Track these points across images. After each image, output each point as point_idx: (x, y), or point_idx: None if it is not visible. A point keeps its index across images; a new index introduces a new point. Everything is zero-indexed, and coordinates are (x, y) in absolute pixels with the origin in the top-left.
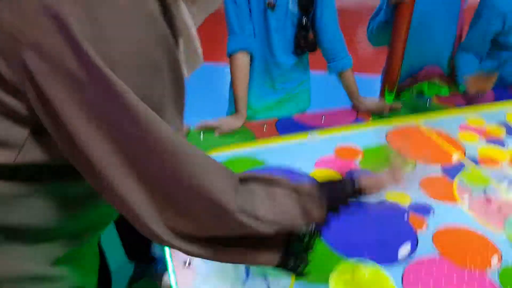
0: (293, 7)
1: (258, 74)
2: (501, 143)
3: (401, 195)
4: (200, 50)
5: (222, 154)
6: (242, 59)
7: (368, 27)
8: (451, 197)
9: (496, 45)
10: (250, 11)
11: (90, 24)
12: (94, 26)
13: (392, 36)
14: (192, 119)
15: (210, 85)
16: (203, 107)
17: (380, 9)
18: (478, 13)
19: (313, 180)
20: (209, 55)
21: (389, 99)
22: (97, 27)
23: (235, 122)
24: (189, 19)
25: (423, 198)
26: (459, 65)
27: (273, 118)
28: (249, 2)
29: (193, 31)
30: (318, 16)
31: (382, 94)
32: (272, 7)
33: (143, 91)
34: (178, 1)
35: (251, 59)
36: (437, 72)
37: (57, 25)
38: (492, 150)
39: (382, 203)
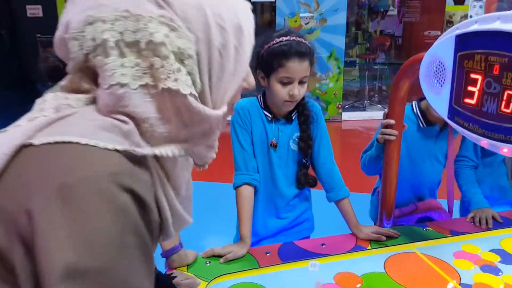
0: (294, 145)
1: (263, 205)
2: (495, 270)
3: None
4: (186, 218)
5: (227, 281)
6: (246, 191)
7: (361, 159)
8: None
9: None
10: (254, 150)
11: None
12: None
13: (384, 170)
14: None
15: (222, 204)
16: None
17: (372, 144)
18: None
19: None
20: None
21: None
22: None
23: (240, 250)
24: (173, 199)
25: None
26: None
27: (276, 244)
28: (252, 143)
29: (178, 207)
30: (315, 155)
31: (380, 222)
32: (275, 146)
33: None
34: (161, 187)
35: (256, 192)
36: (435, 205)
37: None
38: (487, 278)
39: None
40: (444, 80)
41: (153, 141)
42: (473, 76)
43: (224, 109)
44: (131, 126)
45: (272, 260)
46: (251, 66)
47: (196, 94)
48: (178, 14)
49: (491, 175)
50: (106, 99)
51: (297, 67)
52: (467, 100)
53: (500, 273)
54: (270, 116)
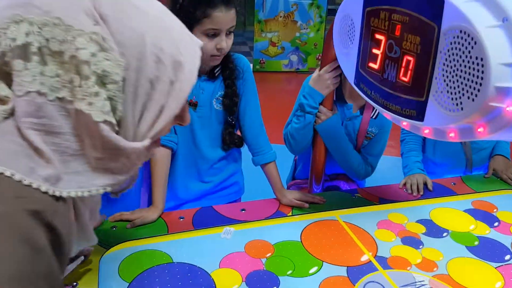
0: (217, 105)
1: (185, 168)
2: (417, 242)
3: None
4: (92, 236)
5: (127, 248)
6: (161, 153)
7: (285, 135)
8: None
9: None
10: None
11: None
12: None
13: (314, 133)
14: None
15: None
16: None
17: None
18: None
19: None
20: None
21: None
22: None
23: (150, 215)
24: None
25: None
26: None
27: (193, 209)
28: None
29: (87, 225)
30: (242, 113)
31: (310, 187)
32: (194, 105)
33: None
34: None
35: (174, 154)
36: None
37: None
38: (405, 250)
39: None
40: (353, 40)
41: (68, 165)
42: (377, 36)
43: (146, 142)
44: (47, 152)
45: (184, 226)
46: None
47: (114, 122)
48: (113, 35)
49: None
50: (24, 107)
51: (224, 17)
52: (371, 64)
53: (420, 246)
54: None
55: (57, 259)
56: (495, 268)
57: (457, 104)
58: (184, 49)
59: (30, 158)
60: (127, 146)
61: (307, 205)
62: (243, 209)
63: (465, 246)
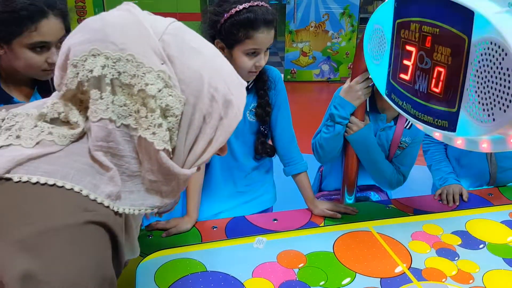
0: (251, 117)
1: (221, 178)
2: (452, 254)
3: None
4: (137, 248)
5: (163, 256)
6: None
7: (313, 144)
8: None
9: None
10: None
11: None
12: None
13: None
14: None
15: None
16: None
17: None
18: None
19: None
20: None
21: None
22: None
23: (184, 225)
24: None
25: None
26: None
27: (226, 218)
28: None
29: (135, 238)
30: (274, 123)
31: (342, 197)
32: None
33: None
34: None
35: (211, 164)
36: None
37: None
38: (440, 262)
39: None
40: (384, 52)
41: (125, 184)
42: (408, 48)
43: (194, 169)
44: (113, 171)
45: (217, 235)
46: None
47: (170, 149)
48: (177, 74)
49: (468, 155)
50: (96, 131)
51: (265, 38)
52: (402, 75)
53: (456, 258)
54: None
55: (115, 267)
56: None
57: (489, 115)
58: (234, 89)
59: (93, 177)
60: (180, 172)
61: (339, 215)
62: (275, 219)
63: (503, 258)
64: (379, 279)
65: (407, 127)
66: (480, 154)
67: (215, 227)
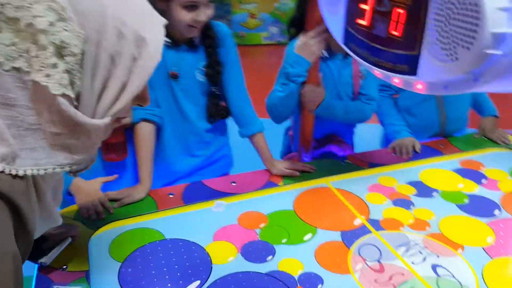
0: (200, 76)
1: (174, 143)
2: (407, 203)
3: (295, 262)
4: (56, 217)
5: (117, 228)
6: (144, 129)
7: (268, 104)
8: (344, 268)
9: None
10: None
11: None
12: None
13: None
14: None
15: None
16: None
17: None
18: None
19: None
20: None
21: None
22: None
23: (138, 194)
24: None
25: (315, 267)
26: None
27: (182, 184)
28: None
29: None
30: (226, 83)
31: (299, 155)
32: (175, 77)
33: None
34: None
35: (161, 128)
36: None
37: None
38: (397, 212)
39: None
40: None
41: (24, 140)
42: None
43: (106, 120)
44: (1, 127)
45: (174, 202)
46: None
47: (72, 96)
48: (73, 5)
49: (419, 106)
50: None
51: None
52: (359, 21)
53: (411, 207)
54: (170, 40)
55: (21, 238)
56: (486, 223)
57: (451, 54)
58: (149, 25)
59: None
60: (87, 122)
61: (298, 173)
62: (233, 182)
63: (455, 204)
64: (340, 232)
65: None
66: (430, 105)
67: (172, 194)
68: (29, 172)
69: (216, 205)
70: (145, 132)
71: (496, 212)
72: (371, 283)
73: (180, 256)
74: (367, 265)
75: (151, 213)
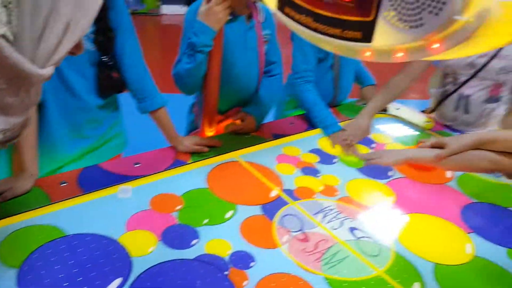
0: (89, 44)
1: (60, 121)
2: (314, 171)
3: (222, 243)
4: None
5: (8, 226)
6: None
7: (175, 73)
8: (271, 242)
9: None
10: None
11: None
12: None
13: (206, 77)
14: None
15: None
16: None
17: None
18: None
19: None
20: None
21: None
22: None
23: (21, 185)
24: None
25: (244, 245)
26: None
27: (75, 170)
28: None
29: None
30: (120, 53)
31: (202, 131)
32: None
33: None
34: None
35: (44, 106)
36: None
37: None
38: (307, 180)
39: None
40: None
41: None
42: None
43: (50, 70)
44: None
45: (70, 191)
46: None
47: (10, 37)
48: None
49: (321, 78)
50: None
51: None
52: None
53: (318, 174)
54: None
55: None
56: (384, 184)
57: (416, 20)
58: None
59: None
60: (32, 71)
61: (206, 149)
62: (136, 163)
63: (356, 168)
64: (260, 206)
65: (263, 21)
66: (328, 77)
67: (64, 182)
68: None
69: (121, 191)
70: None
71: (390, 173)
72: (300, 252)
73: (91, 253)
74: (292, 236)
75: (44, 206)
